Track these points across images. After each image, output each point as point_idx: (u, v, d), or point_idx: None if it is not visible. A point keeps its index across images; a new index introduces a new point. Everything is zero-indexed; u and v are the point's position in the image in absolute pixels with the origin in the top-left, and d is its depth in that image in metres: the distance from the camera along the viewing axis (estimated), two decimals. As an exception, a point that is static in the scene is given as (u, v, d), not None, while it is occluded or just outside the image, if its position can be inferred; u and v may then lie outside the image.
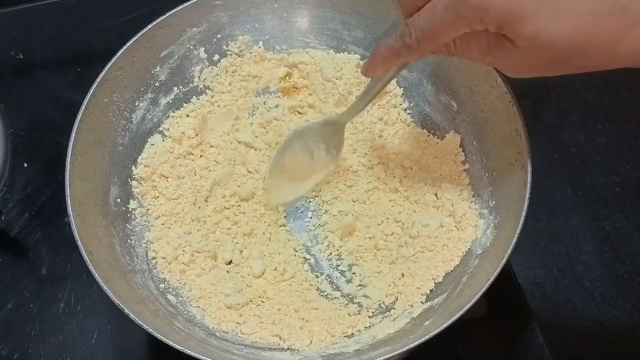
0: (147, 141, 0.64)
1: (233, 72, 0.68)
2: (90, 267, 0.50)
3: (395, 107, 0.67)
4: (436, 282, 0.57)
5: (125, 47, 0.60)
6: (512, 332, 0.63)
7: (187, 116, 0.66)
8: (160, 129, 0.65)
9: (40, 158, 0.73)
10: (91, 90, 0.58)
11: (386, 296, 0.58)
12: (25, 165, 0.73)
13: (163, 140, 0.65)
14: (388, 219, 0.62)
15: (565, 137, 0.75)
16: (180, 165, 0.64)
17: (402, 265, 0.59)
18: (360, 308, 0.58)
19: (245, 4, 0.66)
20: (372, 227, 0.62)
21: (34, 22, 0.84)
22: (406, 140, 0.65)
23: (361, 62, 0.67)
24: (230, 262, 0.62)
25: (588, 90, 0.77)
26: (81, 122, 0.56)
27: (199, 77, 0.67)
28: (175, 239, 0.60)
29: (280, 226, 0.64)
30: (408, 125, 0.66)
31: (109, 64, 0.59)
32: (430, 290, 0.57)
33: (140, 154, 0.63)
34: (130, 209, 0.61)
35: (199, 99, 0.67)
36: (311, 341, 0.55)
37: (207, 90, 0.68)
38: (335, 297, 0.60)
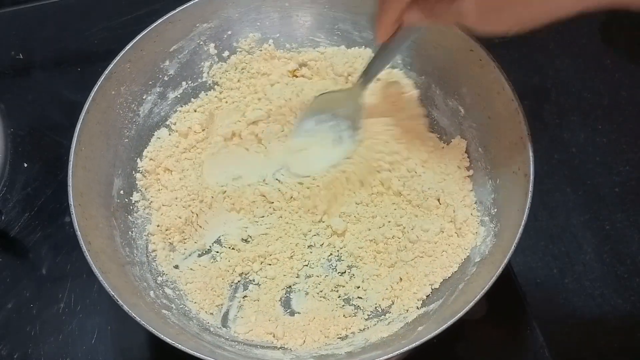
0: (153, 134, 0.65)
1: (242, 69, 0.69)
2: (88, 257, 0.50)
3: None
4: (433, 287, 0.57)
5: (134, 41, 0.61)
6: (512, 332, 0.62)
7: (195, 111, 0.67)
8: (167, 123, 0.66)
9: (40, 158, 0.74)
10: (99, 83, 0.58)
11: (383, 299, 0.58)
12: (25, 165, 0.73)
13: (169, 134, 0.65)
14: (389, 222, 0.62)
15: (565, 137, 0.75)
16: (185, 159, 0.65)
17: (401, 269, 0.59)
18: (356, 310, 0.58)
19: (256, 1, 0.67)
20: (374, 229, 0.62)
21: (34, 22, 0.84)
22: (413, 143, 0.65)
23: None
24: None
25: (588, 90, 0.77)
26: (87, 114, 0.57)
27: (208, 72, 0.67)
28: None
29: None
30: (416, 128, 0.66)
31: (118, 57, 0.60)
32: (427, 296, 0.57)
33: (145, 147, 0.64)
34: (133, 201, 0.61)
35: (207, 94, 0.68)
36: (304, 341, 0.55)
37: (215, 86, 0.68)
38: (332, 298, 0.60)
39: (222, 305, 0.59)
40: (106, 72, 0.59)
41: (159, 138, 0.65)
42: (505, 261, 0.49)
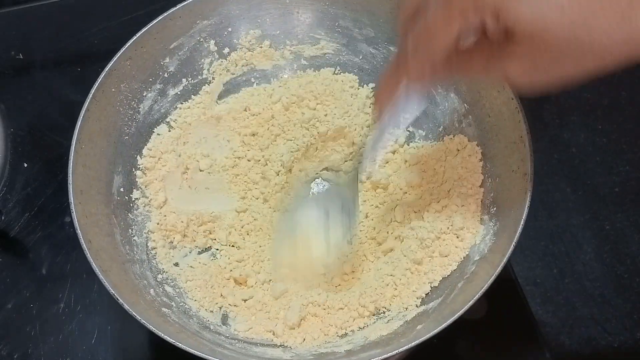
0: (153, 131, 0.65)
1: (243, 65, 0.68)
2: (88, 255, 0.50)
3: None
4: (432, 286, 0.57)
5: (134, 38, 0.61)
6: (512, 332, 0.63)
7: (195, 108, 0.67)
8: (167, 119, 0.66)
9: (40, 158, 0.73)
10: (99, 80, 0.58)
11: (382, 297, 0.58)
12: (25, 165, 0.73)
13: (169, 131, 0.65)
14: (392, 219, 0.62)
15: (565, 137, 0.75)
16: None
17: (402, 267, 0.59)
18: (356, 308, 0.58)
19: (256, -2, 0.67)
20: (377, 227, 0.62)
21: (34, 22, 0.84)
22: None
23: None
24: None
25: (588, 90, 0.77)
26: (87, 111, 0.57)
27: (208, 69, 0.67)
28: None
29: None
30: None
31: (118, 54, 0.60)
32: (426, 294, 0.57)
33: (146, 144, 0.64)
34: (133, 199, 0.61)
35: (207, 91, 0.67)
36: (304, 339, 0.55)
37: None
38: (332, 296, 0.60)
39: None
40: (106, 69, 0.59)
41: (159, 135, 0.65)
42: (505, 260, 0.49)
